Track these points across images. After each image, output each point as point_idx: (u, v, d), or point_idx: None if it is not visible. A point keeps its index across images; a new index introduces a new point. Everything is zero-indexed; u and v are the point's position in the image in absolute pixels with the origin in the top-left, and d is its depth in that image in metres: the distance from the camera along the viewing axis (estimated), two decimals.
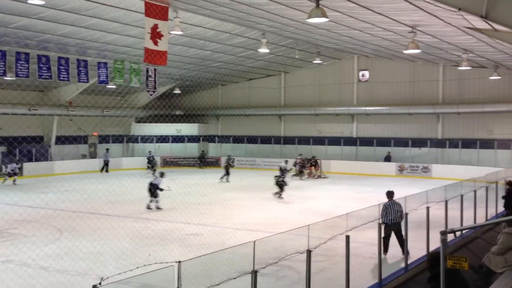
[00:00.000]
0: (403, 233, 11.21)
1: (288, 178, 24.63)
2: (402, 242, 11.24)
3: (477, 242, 12.13)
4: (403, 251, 11.04)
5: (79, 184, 26.29)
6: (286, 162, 28.06)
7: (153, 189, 19.74)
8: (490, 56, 24.47)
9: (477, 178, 15.21)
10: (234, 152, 41.12)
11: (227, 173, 29.67)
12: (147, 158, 35.12)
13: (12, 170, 28.20)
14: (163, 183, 20.03)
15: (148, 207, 19.67)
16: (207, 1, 17.11)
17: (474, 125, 32.30)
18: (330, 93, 37.08)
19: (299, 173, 32.35)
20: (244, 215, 18.43)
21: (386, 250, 11.77)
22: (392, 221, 11.61)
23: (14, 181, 27.76)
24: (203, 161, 39.68)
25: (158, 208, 19.70)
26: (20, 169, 30.39)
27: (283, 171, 24.50)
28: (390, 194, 12.41)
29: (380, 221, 10.64)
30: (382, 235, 10.69)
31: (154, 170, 31.53)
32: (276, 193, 22.91)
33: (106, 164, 35.55)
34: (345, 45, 28.17)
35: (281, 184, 23.05)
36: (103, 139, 39.03)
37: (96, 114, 36.27)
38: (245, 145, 41.07)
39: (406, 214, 10.45)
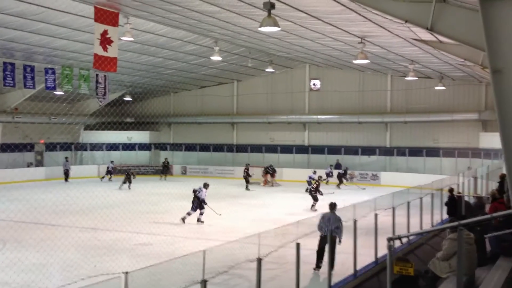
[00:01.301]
0: (338, 246, 10.80)
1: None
2: (332, 259, 10.12)
3: (423, 248, 12.43)
4: (329, 266, 9.90)
5: (22, 193, 25.39)
6: (315, 172, 27.71)
7: (197, 202, 18.68)
8: (436, 67, 25.32)
9: (424, 185, 15.61)
10: (186, 160, 40.80)
11: None
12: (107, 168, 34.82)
13: None
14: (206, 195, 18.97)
15: (183, 220, 18.42)
16: (159, 8, 16.96)
17: (421, 134, 33.28)
18: (282, 101, 37.38)
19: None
20: (195, 224, 18.27)
21: (318, 265, 11.42)
22: (325, 233, 11.12)
23: None
24: (166, 170, 38.19)
25: (200, 221, 18.59)
26: None
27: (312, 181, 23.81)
28: (332, 206, 12.05)
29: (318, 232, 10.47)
30: (316, 247, 10.57)
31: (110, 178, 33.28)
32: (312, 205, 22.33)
33: (66, 173, 34.43)
34: (297, 54, 28.52)
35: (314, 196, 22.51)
36: (50, 146, 37.86)
37: (43, 121, 35.12)
38: (198, 153, 40.79)
39: (355, 221, 10.59)
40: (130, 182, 29.62)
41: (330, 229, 10.94)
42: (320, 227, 11.30)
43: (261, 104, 38.13)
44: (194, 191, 18.82)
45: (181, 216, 18.62)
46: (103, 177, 34.68)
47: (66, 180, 34.00)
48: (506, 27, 3.43)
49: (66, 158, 35.67)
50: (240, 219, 19.58)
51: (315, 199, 22.30)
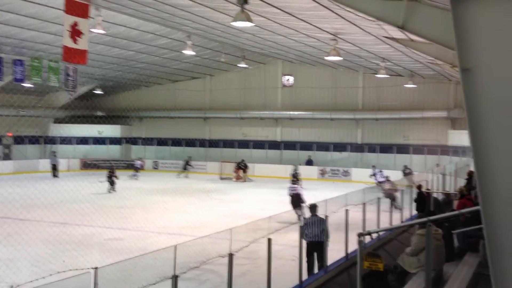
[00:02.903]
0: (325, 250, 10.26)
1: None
2: (322, 265, 10.12)
3: (392, 243, 12.61)
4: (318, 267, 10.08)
5: None
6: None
7: (296, 200, 17.92)
8: (406, 65, 25.69)
9: (394, 181, 15.84)
10: (158, 154, 40.48)
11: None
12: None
13: None
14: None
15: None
16: (131, 0, 16.75)
17: (391, 131, 33.74)
18: (255, 97, 37.41)
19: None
20: (167, 218, 18.16)
21: (311, 270, 10.56)
22: (312, 239, 10.47)
23: None
24: (188, 167, 35.92)
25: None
26: None
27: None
28: (312, 208, 11.09)
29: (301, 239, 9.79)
30: (304, 252, 9.80)
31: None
32: None
33: (54, 167, 33.60)
34: (270, 50, 28.55)
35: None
36: (18, 140, 37.08)
37: (11, 114, 34.37)
38: (170, 148, 40.53)
39: (326, 216, 10.68)
40: (112, 184, 26.12)
41: (315, 234, 10.42)
42: (304, 234, 10.22)
43: (234, 99, 38.09)
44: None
45: (156, 210, 18.50)
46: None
47: (54, 175, 33.13)
48: (476, 27, 3.48)
49: (53, 152, 34.99)
50: (212, 215, 19.53)
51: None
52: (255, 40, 24.35)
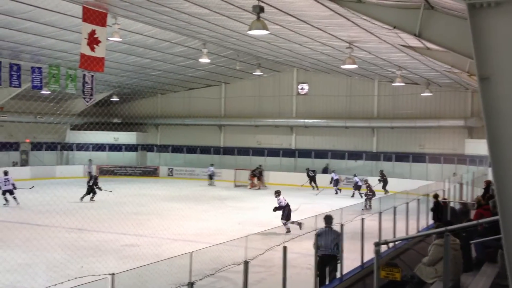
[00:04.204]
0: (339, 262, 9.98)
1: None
2: (333, 277, 9.80)
3: (409, 253, 12.50)
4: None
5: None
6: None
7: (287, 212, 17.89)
8: (423, 73, 25.55)
9: (410, 190, 15.72)
10: (172, 161, 40.66)
11: None
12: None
13: None
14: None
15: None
16: (148, 9, 16.92)
17: (407, 140, 33.51)
18: (270, 104, 37.45)
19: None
20: (182, 225, 18.21)
21: (322, 284, 10.07)
22: (324, 252, 9.99)
23: None
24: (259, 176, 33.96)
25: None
26: None
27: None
28: (327, 220, 10.37)
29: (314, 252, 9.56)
30: (316, 265, 9.47)
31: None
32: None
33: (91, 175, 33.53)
34: (285, 58, 28.59)
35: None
36: (36, 146, 37.56)
37: (29, 120, 34.85)
38: (184, 155, 40.69)
39: (342, 225, 10.63)
40: (94, 193, 24.47)
41: (329, 247, 9.99)
42: (316, 246, 9.59)
43: (249, 107, 38.16)
44: None
45: (171, 217, 18.57)
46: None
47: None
48: (494, 35, 3.48)
49: (90, 160, 35.09)
50: (227, 222, 19.56)
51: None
52: (270, 48, 24.41)
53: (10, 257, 12.85)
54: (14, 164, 35.84)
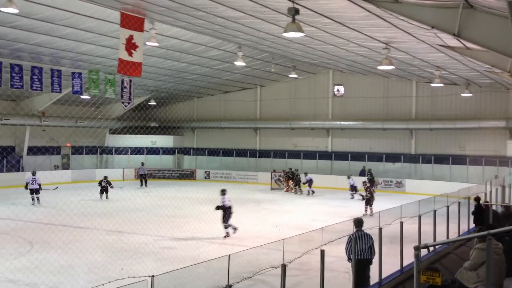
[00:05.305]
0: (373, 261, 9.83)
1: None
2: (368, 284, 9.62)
3: (450, 257, 12.24)
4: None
5: (51, 195, 25.79)
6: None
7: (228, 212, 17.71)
8: (462, 73, 25.00)
9: (450, 193, 15.39)
10: (209, 165, 40.95)
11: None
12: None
13: None
14: None
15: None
16: (184, 14, 17.10)
17: (447, 141, 32.85)
18: (305, 107, 37.33)
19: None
20: (218, 228, 18.29)
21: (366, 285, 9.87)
22: (361, 257, 9.73)
23: None
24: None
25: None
26: None
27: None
28: (358, 223, 10.14)
29: (347, 258, 9.55)
30: (353, 270, 9.32)
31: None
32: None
33: (144, 177, 34.74)
34: (321, 59, 28.45)
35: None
36: (78, 150, 38.52)
37: (70, 125, 35.73)
38: (220, 158, 40.95)
39: (380, 229, 10.48)
40: (107, 192, 26.93)
41: (364, 251, 9.78)
42: (350, 251, 9.50)
43: (284, 109, 38.14)
44: None
45: (207, 220, 18.68)
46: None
47: (145, 185, 34.23)
48: None
49: (142, 163, 36.27)
50: (263, 225, 19.56)
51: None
52: (305, 50, 24.34)
53: (53, 259, 13.18)
54: (56, 167, 36.85)
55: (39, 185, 24.14)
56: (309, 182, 30.67)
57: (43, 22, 19.05)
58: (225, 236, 17.14)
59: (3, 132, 33.54)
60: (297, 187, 32.18)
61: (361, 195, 25.93)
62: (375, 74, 32.12)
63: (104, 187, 26.82)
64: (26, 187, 24.06)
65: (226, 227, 17.32)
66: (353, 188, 28.73)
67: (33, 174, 24.66)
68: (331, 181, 33.97)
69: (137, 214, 19.72)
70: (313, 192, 30.40)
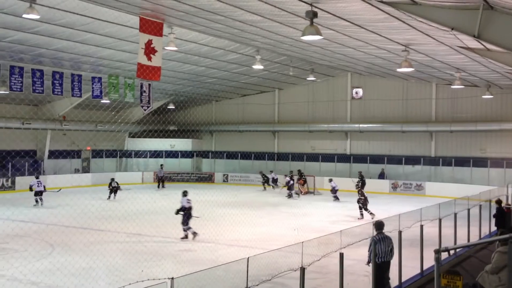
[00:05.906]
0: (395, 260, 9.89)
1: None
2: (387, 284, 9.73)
3: (471, 260, 12.11)
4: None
5: (72, 198, 26.09)
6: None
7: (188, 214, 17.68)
8: (483, 75, 24.70)
9: (471, 196, 15.23)
10: (227, 168, 41.04)
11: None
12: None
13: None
14: None
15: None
16: (202, 18, 17.21)
17: (467, 144, 32.46)
18: (323, 110, 37.24)
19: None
20: (237, 231, 18.33)
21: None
22: (383, 259, 9.73)
23: None
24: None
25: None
26: (13, 183, 30.41)
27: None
28: (379, 226, 10.08)
29: (367, 260, 9.62)
30: (374, 273, 9.34)
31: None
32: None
33: (161, 179, 35.54)
34: (339, 62, 28.35)
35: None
36: (98, 153, 38.94)
37: (90, 129, 36.19)
38: (239, 161, 41.02)
39: (400, 232, 10.41)
40: (115, 193, 28.48)
41: (385, 253, 9.75)
42: (374, 254, 9.51)
43: (302, 112, 38.09)
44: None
45: (226, 222, 18.76)
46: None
47: (162, 186, 35.22)
48: None
49: (161, 165, 36.82)
50: (281, 228, 19.55)
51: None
52: (323, 53, 24.28)
53: (74, 261, 13.36)
54: (76, 171, 37.30)
55: (44, 187, 25.38)
56: (333, 190, 29.59)
57: (64, 28, 19.33)
58: (182, 238, 16.99)
59: (25, 136, 34.08)
60: (304, 188, 32.58)
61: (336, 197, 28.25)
62: (394, 76, 31.90)
63: (114, 187, 28.24)
64: (30, 189, 25.15)
65: (185, 230, 17.13)
66: (335, 191, 28.86)
67: (37, 177, 25.95)
68: (350, 184, 33.74)
69: (156, 217, 19.88)
70: (337, 198, 29.52)
